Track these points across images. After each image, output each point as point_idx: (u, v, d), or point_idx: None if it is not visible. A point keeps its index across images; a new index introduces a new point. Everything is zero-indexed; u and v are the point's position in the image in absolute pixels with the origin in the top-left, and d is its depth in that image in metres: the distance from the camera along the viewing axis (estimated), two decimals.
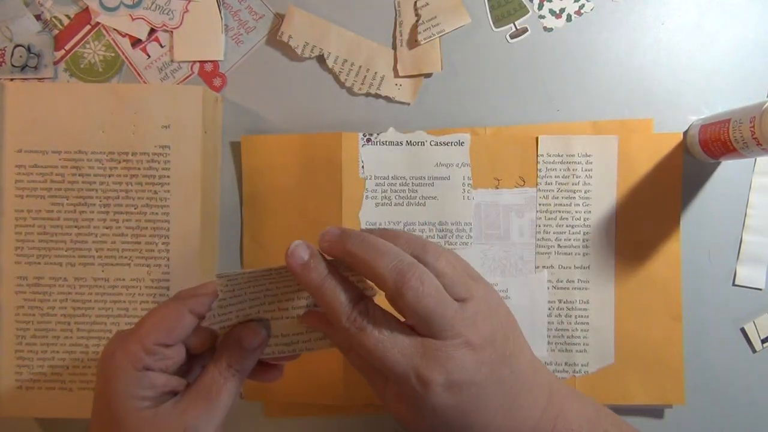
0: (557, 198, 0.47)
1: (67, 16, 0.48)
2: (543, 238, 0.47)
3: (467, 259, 0.47)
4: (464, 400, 0.31)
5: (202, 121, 0.45)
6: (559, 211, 0.47)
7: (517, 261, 0.47)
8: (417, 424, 0.31)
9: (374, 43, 0.48)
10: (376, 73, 0.48)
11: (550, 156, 0.46)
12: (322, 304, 0.32)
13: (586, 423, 0.34)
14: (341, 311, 0.31)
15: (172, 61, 0.48)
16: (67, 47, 0.48)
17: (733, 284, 0.47)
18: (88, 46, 0.48)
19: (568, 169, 0.46)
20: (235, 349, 0.33)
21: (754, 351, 0.47)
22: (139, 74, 0.48)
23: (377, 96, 0.48)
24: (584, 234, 0.47)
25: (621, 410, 0.47)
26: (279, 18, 0.48)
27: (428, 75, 0.48)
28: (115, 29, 0.48)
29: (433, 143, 0.47)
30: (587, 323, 0.46)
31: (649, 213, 0.46)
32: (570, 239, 0.47)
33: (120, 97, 0.45)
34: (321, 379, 0.45)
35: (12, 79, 0.48)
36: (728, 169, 0.47)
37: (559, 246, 0.47)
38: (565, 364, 0.46)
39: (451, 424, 0.31)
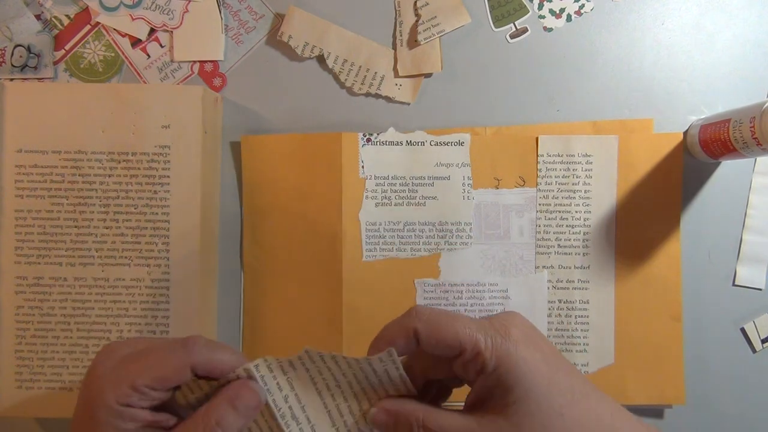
0: (557, 198, 0.47)
1: (67, 16, 0.48)
2: (543, 238, 0.47)
3: (467, 259, 0.47)
4: None
5: (202, 121, 0.45)
6: (559, 211, 0.47)
7: (517, 261, 0.47)
8: None
9: (374, 43, 0.48)
10: (376, 73, 0.48)
11: (550, 156, 0.46)
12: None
13: None
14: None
15: (172, 61, 0.48)
16: (67, 47, 0.48)
17: (733, 284, 0.47)
18: (88, 46, 0.48)
19: (568, 169, 0.46)
20: (228, 408, 0.31)
21: (754, 351, 0.47)
22: (139, 74, 0.48)
23: (377, 96, 0.48)
24: (584, 234, 0.47)
25: None
26: (279, 18, 0.48)
27: (428, 75, 0.48)
28: (115, 29, 0.48)
29: (433, 143, 0.47)
30: (587, 323, 0.46)
31: (649, 213, 0.46)
32: (570, 239, 0.47)
33: (120, 97, 0.45)
34: None
35: (12, 79, 0.48)
36: (728, 169, 0.47)
37: (559, 246, 0.47)
38: None
39: None
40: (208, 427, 0.30)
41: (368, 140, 0.47)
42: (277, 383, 0.32)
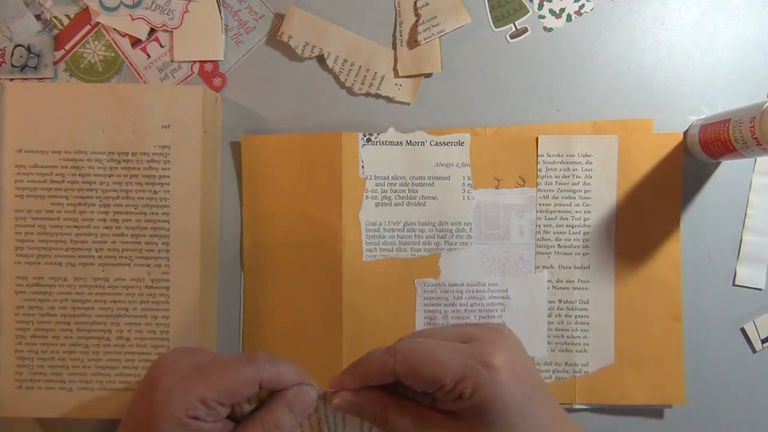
0: (557, 198, 0.47)
1: (67, 16, 0.48)
2: (543, 238, 0.47)
3: (467, 259, 0.47)
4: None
5: (202, 121, 0.45)
6: (559, 211, 0.47)
7: (517, 261, 0.47)
8: None
9: (374, 43, 0.48)
10: (376, 73, 0.48)
11: (550, 156, 0.46)
12: None
13: None
14: None
15: (172, 61, 0.48)
16: (67, 47, 0.48)
17: (733, 284, 0.47)
18: (88, 46, 0.48)
19: (568, 169, 0.46)
20: (285, 411, 0.33)
21: (754, 351, 0.47)
22: (139, 74, 0.48)
23: (377, 96, 0.48)
24: (584, 234, 0.47)
25: (621, 410, 0.47)
26: (279, 18, 0.48)
27: (428, 75, 0.48)
28: (115, 29, 0.48)
29: (433, 143, 0.47)
30: (587, 323, 0.46)
31: (649, 213, 0.46)
32: (570, 239, 0.47)
33: (120, 97, 0.45)
34: (321, 379, 0.45)
35: (12, 79, 0.48)
36: (728, 169, 0.47)
37: (559, 246, 0.47)
38: (565, 364, 0.46)
39: None
40: (267, 428, 0.32)
41: (368, 140, 0.47)
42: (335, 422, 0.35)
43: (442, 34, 0.47)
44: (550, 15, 0.48)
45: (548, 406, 0.33)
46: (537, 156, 0.46)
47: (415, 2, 0.47)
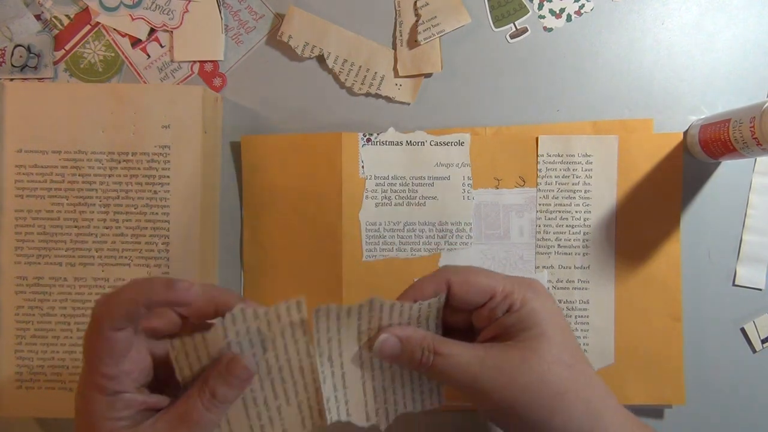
0: (557, 198, 0.47)
1: (67, 16, 0.48)
2: (543, 238, 0.47)
3: (467, 259, 0.47)
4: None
5: (202, 121, 0.45)
6: (559, 211, 0.47)
7: (517, 261, 0.47)
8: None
9: (374, 43, 0.48)
10: (376, 73, 0.48)
11: (550, 156, 0.46)
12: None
13: None
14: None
15: (172, 61, 0.48)
16: (67, 47, 0.48)
17: (733, 284, 0.47)
18: (88, 46, 0.48)
19: (568, 169, 0.46)
20: (223, 379, 0.32)
21: (754, 351, 0.47)
22: (139, 74, 0.48)
23: (377, 96, 0.48)
24: (584, 234, 0.47)
25: None
26: (279, 18, 0.48)
27: (428, 75, 0.48)
28: (115, 29, 0.48)
29: (433, 143, 0.47)
30: (587, 323, 0.46)
31: (649, 213, 0.46)
32: (570, 239, 0.47)
33: (120, 97, 0.45)
34: None
35: (12, 79, 0.48)
36: (728, 169, 0.47)
37: (559, 246, 0.47)
38: None
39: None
40: (203, 397, 0.31)
41: (368, 140, 0.47)
42: (328, 327, 0.33)
43: (442, 34, 0.47)
44: (550, 15, 0.48)
45: (578, 345, 0.35)
46: (537, 156, 0.46)
47: (415, 2, 0.47)
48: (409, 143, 0.47)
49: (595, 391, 0.34)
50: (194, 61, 0.48)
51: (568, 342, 0.34)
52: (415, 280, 0.35)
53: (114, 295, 0.30)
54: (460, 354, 0.33)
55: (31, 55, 0.48)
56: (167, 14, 0.48)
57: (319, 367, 0.34)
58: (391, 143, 0.47)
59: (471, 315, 0.36)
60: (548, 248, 0.47)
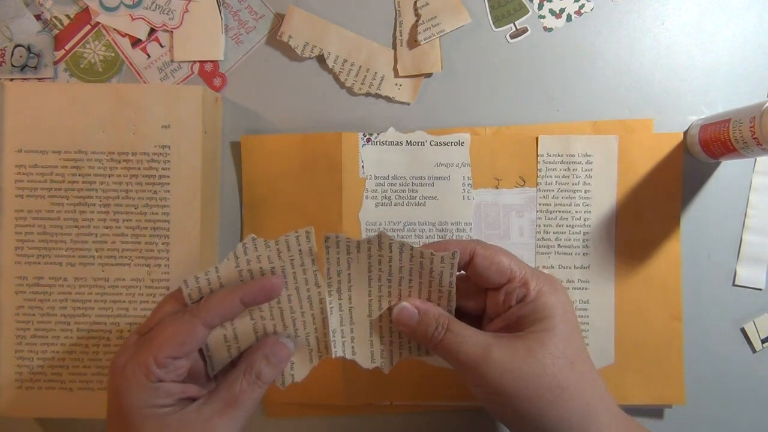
0: (557, 198, 0.47)
1: (67, 16, 0.48)
2: (543, 238, 0.47)
3: None
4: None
5: (202, 121, 0.45)
6: (559, 211, 0.47)
7: None
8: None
9: (374, 43, 0.48)
10: (376, 73, 0.48)
11: (550, 156, 0.46)
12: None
13: None
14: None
15: (172, 61, 0.48)
16: (67, 47, 0.48)
17: (733, 284, 0.47)
18: (88, 46, 0.48)
19: (568, 169, 0.46)
20: (267, 361, 0.34)
21: (754, 351, 0.47)
22: (139, 74, 0.48)
23: (377, 96, 0.48)
24: (584, 234, 0.47)
25: None
26: (279, 18, 0.48)
27: (428, 75, 0.48)
28: (115, 29, 0.48)
29: (433, 143, 0.47)
30: (587, 323, 0.46)
31: (649, 213, 0.46)
32: (570, 239, 0.47)
33: (120, 97, 0.45)
34: (321, 379, 0.45)
35: (12, 79, 0.48)
36: (728, 169, 0.47)
37: (559, 246, 0.47)
38: None
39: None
40: (249, 379, 0.33)
41: (368, 140, 0.47)
42: (338, 258, 0.34)
43: (442, 34, 0.47)
44: (550, 15, 0.48)
45: (585, 347, 0.36)
46: (537, 156, 0.46)
47: (415, 2, 0.47)
48: (409, 143, 0.47)
49: (596, 393, 0.34)
50: (194, 61, 0.48)
51: (575, 340, 0.34)
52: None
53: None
54: (471, 336, 0.34)
55: (31, 55, 0.48)
56: (167, 14, 0.48)
57: (327, 296, 0.34)
58: (391, 143, 0.47)
59: (485, 301, 0.36)
60: (548, 248, 0.47)
